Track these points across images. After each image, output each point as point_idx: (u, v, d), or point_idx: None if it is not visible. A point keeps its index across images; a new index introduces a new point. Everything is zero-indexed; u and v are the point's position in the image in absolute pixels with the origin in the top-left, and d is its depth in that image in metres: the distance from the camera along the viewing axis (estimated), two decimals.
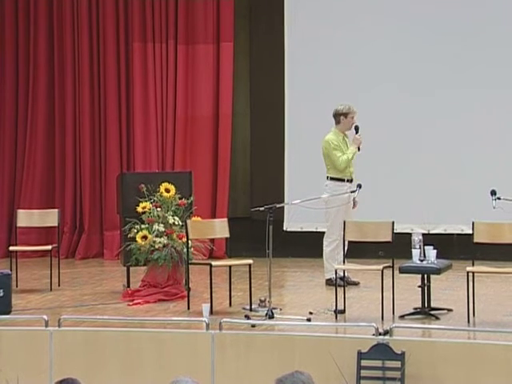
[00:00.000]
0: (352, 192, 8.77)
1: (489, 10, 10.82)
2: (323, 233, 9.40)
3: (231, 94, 11.62)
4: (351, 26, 11.21)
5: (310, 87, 11.23)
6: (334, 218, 9.04)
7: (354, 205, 9.05)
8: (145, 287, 8.69)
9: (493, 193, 7.55)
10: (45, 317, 7.30)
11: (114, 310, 8.22)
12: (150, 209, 8.69)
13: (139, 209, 8.72)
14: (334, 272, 8.36)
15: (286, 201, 10.53)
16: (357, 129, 9.15)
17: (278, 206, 7.95)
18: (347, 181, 9.19)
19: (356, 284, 9.11)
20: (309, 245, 10.40)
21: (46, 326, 7.23)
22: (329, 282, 9.08)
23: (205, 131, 11.55)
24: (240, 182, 14.29)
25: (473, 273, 7.59)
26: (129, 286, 8.98)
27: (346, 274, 8.67)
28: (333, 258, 9.03)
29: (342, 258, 8.45)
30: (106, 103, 11.66)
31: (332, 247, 9.11)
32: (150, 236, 8.57)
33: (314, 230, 10.52)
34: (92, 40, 11.68)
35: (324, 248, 9.24)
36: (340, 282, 8.09)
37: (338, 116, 9.32)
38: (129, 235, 8.72)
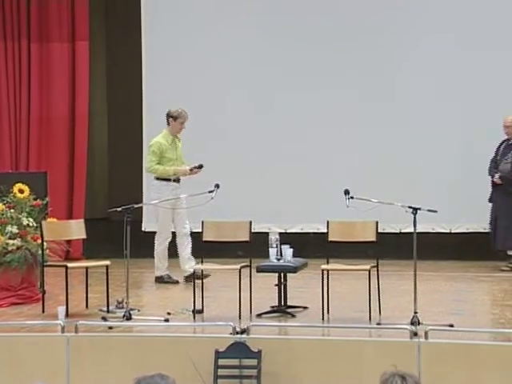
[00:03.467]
0: (210, 192, 8.80)
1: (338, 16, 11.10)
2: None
3: (87, 93, 11.47)
4: (209, 27, 11.24)
5: (168, 86, 11.21)
6: (162, 217, 9.26)
7: None
8: None
9: (346, 192, 7.70)
10: None
11: None
12: (2, 210, 8.48)
13: None
14: (164, 270, 8.98)
15: (144, 201, 10.47)
16: (200, 167, 9.24)
17: (135, 206, 7.88)
18: (173, 181, 9.29)
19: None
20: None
21: None
22: (159, 280, 9.36)
23: (60, 131, 11.37)
24: (98, 182, 14.12)
25: (327, 270, 7.75)
26: None
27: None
28: (164, 257, 9.33)
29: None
30: None
31: (163, 246, 9.37)
32: (2, 238, 8.36)
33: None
34: None
35: (155, 247, 9.46)
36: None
37: (168, 117, 9.44)
38: None
